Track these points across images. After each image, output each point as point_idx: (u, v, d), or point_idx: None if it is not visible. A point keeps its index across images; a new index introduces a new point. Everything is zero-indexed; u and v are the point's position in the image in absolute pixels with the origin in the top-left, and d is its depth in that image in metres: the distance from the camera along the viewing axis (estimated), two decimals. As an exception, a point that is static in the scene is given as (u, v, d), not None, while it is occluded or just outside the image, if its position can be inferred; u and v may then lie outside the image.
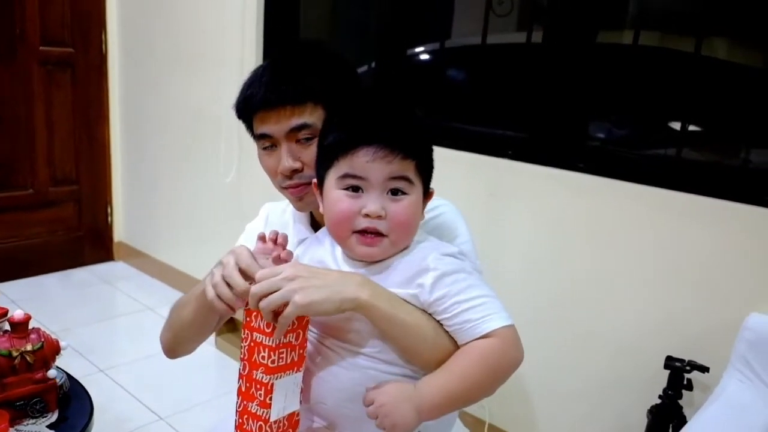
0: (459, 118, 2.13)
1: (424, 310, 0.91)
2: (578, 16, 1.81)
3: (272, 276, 0.86)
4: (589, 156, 1.81)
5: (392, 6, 2.28)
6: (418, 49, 2.35)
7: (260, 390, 0.87)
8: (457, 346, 0.90)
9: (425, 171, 0.93)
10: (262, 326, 0.87)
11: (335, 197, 0.91)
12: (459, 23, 2.24)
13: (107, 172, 3.45)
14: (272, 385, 0.87)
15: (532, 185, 1.86)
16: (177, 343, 1.12)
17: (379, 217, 0.88)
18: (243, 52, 2.62)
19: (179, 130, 3.09)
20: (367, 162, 0.88)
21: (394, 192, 0.90)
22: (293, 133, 1.01)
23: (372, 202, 0.88)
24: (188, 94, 2.97)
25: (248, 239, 1.17)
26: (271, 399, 0.87)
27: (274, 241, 0.99)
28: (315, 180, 0.98)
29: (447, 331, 0.91)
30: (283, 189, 1.07)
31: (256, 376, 0.88)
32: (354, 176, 0.89)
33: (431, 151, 0.95)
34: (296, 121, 1.00)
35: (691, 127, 1.76)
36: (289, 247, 1.11)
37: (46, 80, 3.11)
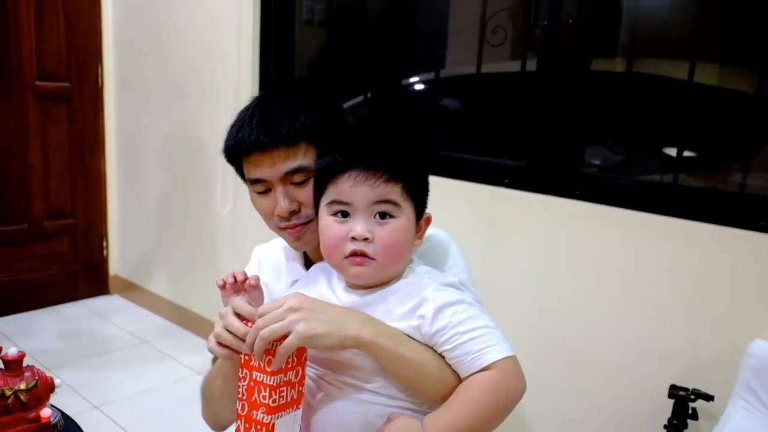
0: (455, 147, 2.14)
1: (426, 345, 0.90)
2: (571, 44, 1.83)
3: (275, 308, 0.85)
4: (585, 183, 1.81)
5: (387, 36, 2.31)
6: (413, 79, 2.37)
7: (261, 430, 0.85)
8: (460, 379, 0.89)
9: (415, 193, 0.91)
10: (262, 365, 0.85)
11: (325, 224, 0.92)
12: (453, 53, 2.27)
13: (103, 205, 3.44)
14: (273, 425, 0.85)
15: (529, 213, 1.86)
16: (218, 415, 1.09)
17: (365, 239, 0.88)
18: (239, 83, 2.63)
19: (175, 161, 3.09)
20: (350, 187, 0.88)
21: (382, 215, 0.89)
22: (288, 176, 1.00)
23: (359, 225, 0.88)
24: (184, 125, 2.98)
25: None
26: None
27: (242, 282, 0.98)
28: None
29: (450, 368, 0.90)
30: (280, 230, 1.05)
31: (257, 416, 0.86)
32: (340, 202, 0.90)
33: (422, 172, 0.94)
34: (291, 164, 0.99)
35: (687, 153, 1.77)
36: (282, 286, 1.11)
37: (42, 114, 3.12)
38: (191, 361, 2.75)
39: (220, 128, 2.89)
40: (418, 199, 0.92)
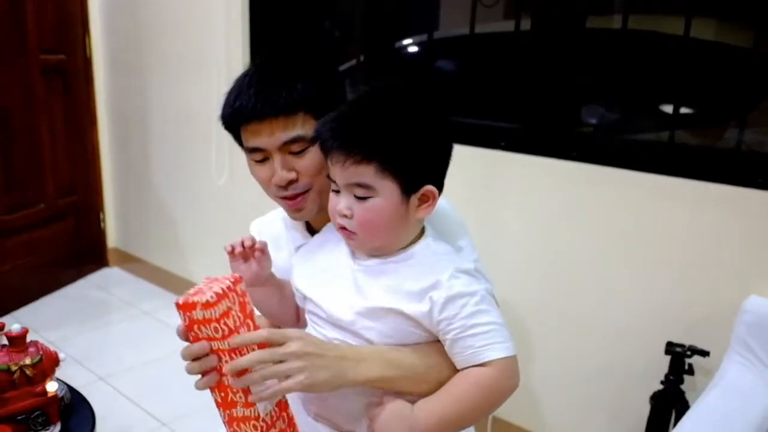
0: (450, 110, 2.11)
1: (418, 346, 0.92)
2: (565, 2, 1.80)
3: (278, 342, 0.84)
4: (581, 144, 1.81)
5: None
6: (406, 42, 2.34)
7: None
8: (450, 374, 0.92)
9: (399, 169, 0.87)
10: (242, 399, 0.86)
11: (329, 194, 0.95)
12: (446, 14, 2.23)
13: (98, 179, 3.41)
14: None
15: (526, 175, 1.86)
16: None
17: (344, 216, 0.90)
18: (229, 52, 2.60)
19: (168, 133, 3.06)
20: (332, 166, 0.90)
21: (357, 195, 0.89)
22: (286, 146, 0.99)
23: (340, 202, 0.91)
24: (176, 96, 2.95)
25: None
26: None
27: (251, 248, 0.99)
28: None
29: (444, 362, 0.92)
30: (278, 198, 1.05)
31: None
32: (331, 179, 0.92)
33: (410, 147, 0.88)
34: (289, 134, 0.98)
35: (683, 110, 1.76)
36: (284, 255, 1.11)
37: (46, 89, 3.00)
38: (193, 331, 2.76)
39: (212, 98, 2.86)
40: (406, 174, 0.88)
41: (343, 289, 0.94)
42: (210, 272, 2.96)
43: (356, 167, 0.87)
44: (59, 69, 3.07)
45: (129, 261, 3.48)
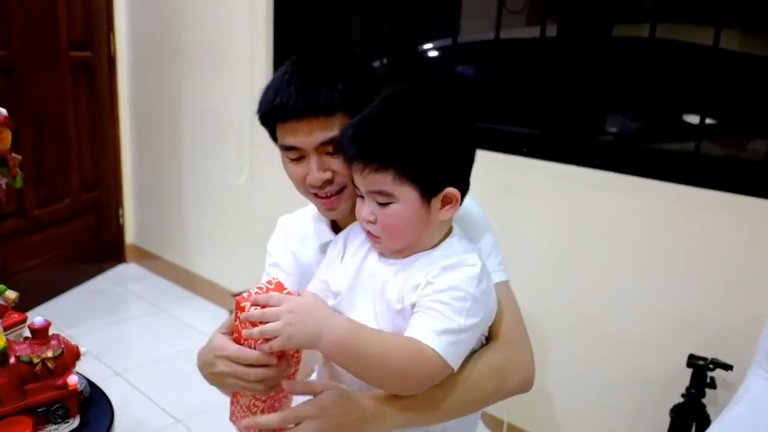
0: (472, 115, 2.11)
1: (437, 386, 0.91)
2: (592, 10, 1.79)
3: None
4: (605, 152, 1.79)
5: (404, 1, 2.27)
6: (429, 45, 2.34)
7: None
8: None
9: (417, 175, 0.88)
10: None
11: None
12: (471, 19, 2.22)
13: (119, 175, 3.45)
14: None
15: (548, 182, 1.85)
16: None
17: (368, 221, 0.92)
18: (254, 52, 2.61)
19: (189, 131, 3.08)
20: (353, 174, 0.91)
21: (379, 202, 0.90)
22: (323, 146, 0.98)
23: (364, 209, 0.92)
24: (197, 95, 2.97)
25: (274, 261, 1.16)
26: None
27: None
28: None
29: (460, 391, 0.92)
30: (310, 195, 1.05)
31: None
32: (355, 185, 0.93)
33: (428, 152, 0.88)
34: (327, 134, 0.97)
35: (709, 121, 1.74)
36: (310, 252, 1.11)
37: (74, 86, 3.03)
38: (208, 328, 2.77)
39: (234, 97, 2.88)
40: (424, 179, 0.88)
41: (368, 292, 0.95)
42: (227, 271, 2.97)
43: (374, 175, 0.88)
44: (86, 66, 3.12)
45: (146, 258, 3.50)
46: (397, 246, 0.93)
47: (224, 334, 0.91)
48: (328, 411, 0.87)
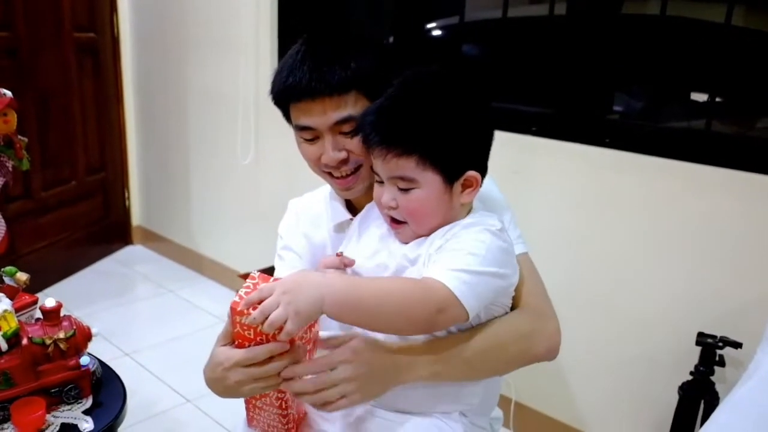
0: (489, 97, 2.09)
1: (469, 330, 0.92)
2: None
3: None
4: (614, 130, 1.78)
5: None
6: (436, 24, 2.31)
7: None
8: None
9: (440, 160, 0.88)
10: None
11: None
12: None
13: (124, 157, 3.44)
14: None
15: (557, 161, 1.84)
16: None
17: (390, 207, 0.91)
18: (258, 31, 2.59)
19: (194, 112, 3.07)
20: (374, 159, 0.91)
21: (401, 187, 0.90)
22: (338, 125, 0.98)
23: (384, 195, 0.92)
24: (202, 76, 2.95)
25: (286, 244, 1.15)
26: None
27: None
28: None
29: (493, 346, 0.93)
30: (325, 175, 1.04)
31: None
32: (374, 171, 0.93)
33: (450, 137, 0.88)
34: (341, 113, 0.97)
35: (718, 99, 1.72)
36: (323, 233, 1.12)
37: (79, 67, 3.01)
38: (215, 309, 2.80)
39: (238, 78, 2.85)
40: (446, 163, 0.88)
41: (390, 269, 0.94)
42: (232, 252, 2.97)
43: (397, 160, 0.88)
44: (90, 48, 3.09)
45: (153, 239, 3.51)
46: (423, 231, 0.93)
47: (224, 345, 0.89)
48: (361, 356, 0.87)
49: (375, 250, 0.97)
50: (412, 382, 0.90)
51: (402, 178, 0.89)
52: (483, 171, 0.93)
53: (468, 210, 0.96)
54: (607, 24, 1.79)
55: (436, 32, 2.33)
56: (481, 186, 0.93)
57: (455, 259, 0.85)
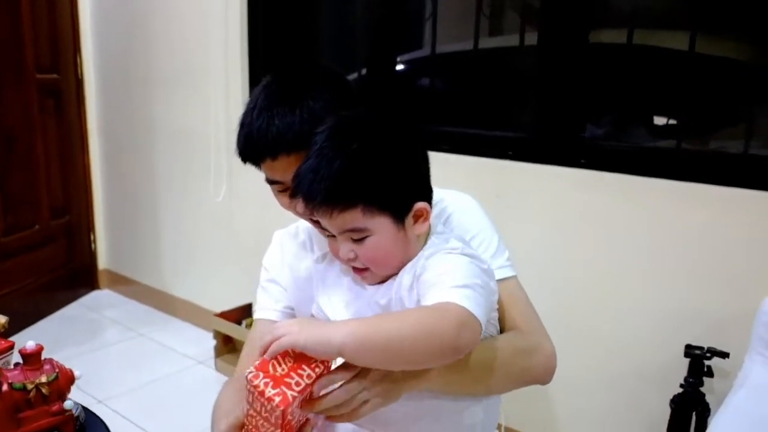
0: (456, 122, 2.12)
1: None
2: (570, 16, 1.82)
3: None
4: (590, 152, 1.82)
5: (381, 12, 2.28)
6: (408, 56, 2.35)
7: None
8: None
9: (385, 203, 0.87)
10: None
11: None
12: (449, 29, 2.24)
13: (90, 199, 3.36)
14: None
15: (535, 184, 1.87)
16: None
17: (349, 259, 0.91)
18: (227, 67, 2.58)
19: (162, 150, 3.03)
20: (320, 218, 0.89)
21: (354, 239, 0.89)
22: None
23: (340, 249, 0.91)
24: (170, 112, 2.92)
25: (271, 277, 1.14)
26: None
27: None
28: None
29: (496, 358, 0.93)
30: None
31: None
32: (323, 227, 0.92)
33: (382, 184, 0.86)
34: None
35: (685, 119, 1.79)
36: (308, 263, 1.10)
37: (41, 109, 2.94)
38: (189, 351, 2.72)
39: (209, 113, 2.82)
40: (392, 204, 0.87)
41: (367, 312, 0.93)
42: (207, 292, 2.90)
43: (343, 215, 0.86)
44: (53, 89, 3.04)
45: (120, 282, 3.41)
46: (388, 272, 0.92)
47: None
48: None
49: (347, 301, 0.96)
50: (425, 389, 0.90)
51: (353, 230, 0.88)
52: (428, 197, 0.93)
53: (426, 235, 0.95)
54: (575, 52, 1.84)
55: (407, 65, 2.37)
56: (431, 214, 0.92)
57: (441, 283, 0.84)
